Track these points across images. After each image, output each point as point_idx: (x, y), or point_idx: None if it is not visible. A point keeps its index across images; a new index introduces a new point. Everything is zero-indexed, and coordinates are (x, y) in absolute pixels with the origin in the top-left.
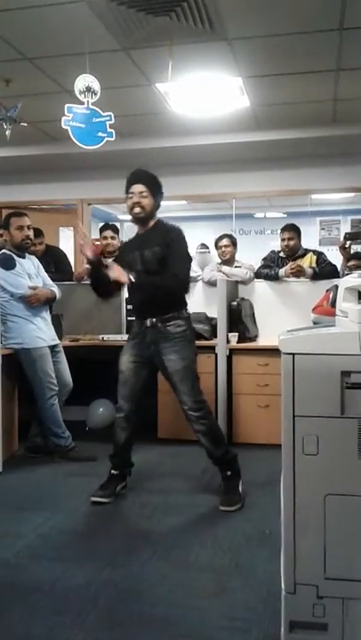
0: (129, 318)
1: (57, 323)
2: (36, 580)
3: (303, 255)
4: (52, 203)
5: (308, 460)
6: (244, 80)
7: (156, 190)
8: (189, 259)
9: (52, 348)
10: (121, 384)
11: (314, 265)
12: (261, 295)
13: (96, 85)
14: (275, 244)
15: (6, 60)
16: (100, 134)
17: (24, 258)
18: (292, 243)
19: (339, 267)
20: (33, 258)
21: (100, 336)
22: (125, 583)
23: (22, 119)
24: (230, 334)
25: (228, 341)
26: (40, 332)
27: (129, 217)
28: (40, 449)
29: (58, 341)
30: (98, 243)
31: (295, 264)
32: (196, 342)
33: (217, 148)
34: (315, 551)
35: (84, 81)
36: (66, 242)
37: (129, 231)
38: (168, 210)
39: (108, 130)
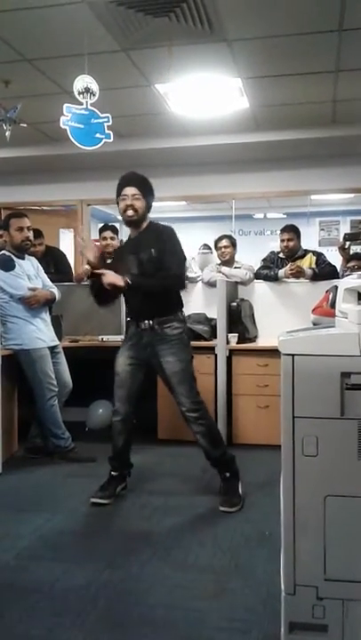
0: (128, 319)
1: (57, 324)
2: (35, 580)
3: (303, 256)
4: (51, 203)
5: (307, 461)
6: (243, 81)
7: (147, 192)
8: (183, 256)
9: (52, 348)
10: (117, 386)
11: (313, 266)
12: (261, 296)
13: (94, 86)
14: (274, 244)
15: (6, 61)
16: (98, 135)
17: (23, 259)
18: (291, 243)
19: (338, 267)
20: (32, 259)
21: (100, 337)
22: (125, 584)
23: (22, 120)
24: (230, 335)
25: (227, 342)
26: (40, 333)
27: None
28: (40, 450)
29: (57, 342)
30: (97, 243)
31: (295, 265)
32: (196, 343)
33: (216, 149)
34: (315, 552)
35: (83, 82)
36: (66, 243)
37: (128, 232)
38: (168, 210)
39: (106, 131)
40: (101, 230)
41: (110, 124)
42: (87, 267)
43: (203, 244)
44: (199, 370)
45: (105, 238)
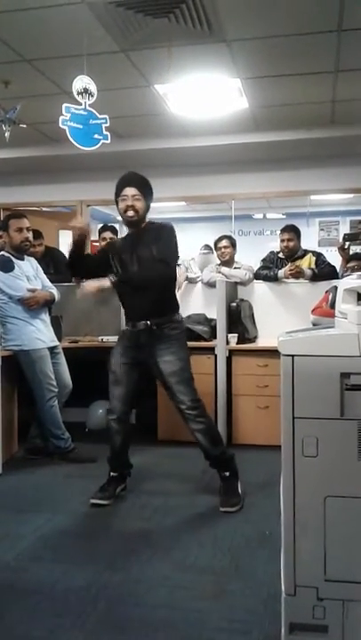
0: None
1: (56, 324)
2: (35, 581)
3: (302, 256)
4: (51, 204)
5: (307, 462)
6: (242, 81)
7: (147, 193)
8: (177, 251)
9: (52, 349)
10: (113, 385)
11: (313, 266)
12: (261, 296)
13: (93, 87)
14: (274, 244)
15: (5, 61)
16: (96, 136)
17: (23, 260)
18: (291, 244)
19: (338, 268)
20: (32, 260)
21: (100, 337)
22: (125, 585)
23: (21, 121)
24: (230, 335)
25: (227, 342)
26: (39, 334)
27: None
28: (40, 450)
29: (57, 343)
30: (96, 244)
31: (294, 265)
32: (196, 343)
33: (216, 150)
34: (315, 553)
35: (82, 82)
36: (65, 244)
37: (127, 231)
38: (167, 211)
39: (104, 132)
40: (101, 231)
41: (108, 125)
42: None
43: (203, 245)
44: (198, 370)
45: (104, 239)
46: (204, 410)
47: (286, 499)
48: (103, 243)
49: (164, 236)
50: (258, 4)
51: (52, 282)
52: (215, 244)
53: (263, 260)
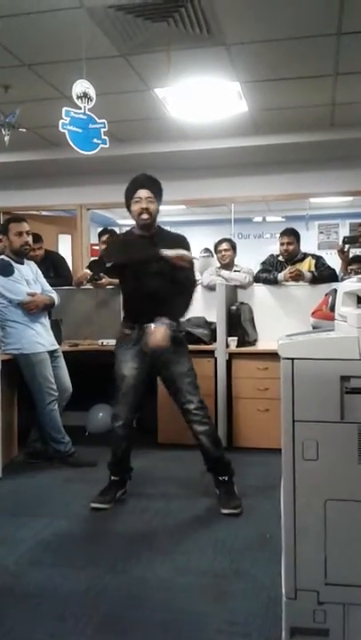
0: (129, 323)
1: (56, 328)
2: (36, 585)
3: (302, 259)
4: (51, 208)
5: (308, 465)
6: (242, 85)
7: (159, 195)
8: None
9: (52, 353)
10: (124, 392)
11: (313, 269)
12: (261, 299)
13: (92, 91)
14: (274, 247)
15: (5, 66)
16: (95, 141)
17: (22, 264)
18: (291, 247)
19: (338, 271)
20: (31, 264)
21: (100, 341)
22: (126, 588)
23: (21, 125)
24: (230, 338)
25: (227, 345)
26: (39, 338)
27: (128, 222)
28: (40, 454)
29: (57, 346)
30: (96, 247)
31: (294, 268)
32: (196, 347)
33: (215, 153)
34: (315, 556)
35: (82, 86)
36: (65, 248)
37: None
38: (167, 214)
39: (103, 137)
40: (101, 234)
41: (106, 129)
42: (87, 271)
43: (204, 248)
44: (199, 373)
45: (104, 242)
46: (208, 411)
47: (287, 502)
48: (103, 247)
49: (186, 248)
50: (257, 7)
51: (51, 286)
52: (215, 246)
53: (263, 263)
